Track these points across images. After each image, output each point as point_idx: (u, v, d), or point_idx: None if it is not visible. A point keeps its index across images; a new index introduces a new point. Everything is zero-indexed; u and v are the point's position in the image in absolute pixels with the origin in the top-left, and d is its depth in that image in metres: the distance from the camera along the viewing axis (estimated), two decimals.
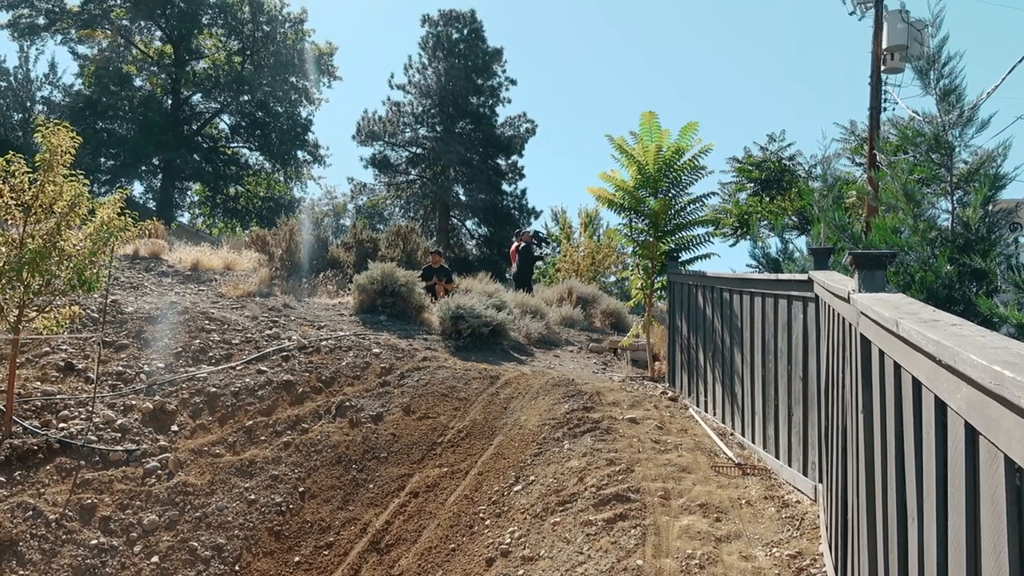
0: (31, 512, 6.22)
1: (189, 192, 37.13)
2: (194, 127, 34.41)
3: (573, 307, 14.44)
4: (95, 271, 7.59)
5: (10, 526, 6.03)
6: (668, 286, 10.32)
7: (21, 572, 5.77)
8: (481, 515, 6.33)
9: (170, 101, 33.65)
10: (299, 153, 35.95)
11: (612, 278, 23.53)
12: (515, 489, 6.58)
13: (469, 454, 7.39)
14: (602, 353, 11.97)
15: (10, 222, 7.36)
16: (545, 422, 7.66)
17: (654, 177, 10.73)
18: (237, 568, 6.14)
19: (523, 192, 36.06)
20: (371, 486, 7.04)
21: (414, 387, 8.70)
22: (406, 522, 6.50)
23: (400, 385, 8.74)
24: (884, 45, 14.39)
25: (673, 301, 9.93)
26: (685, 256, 10.80)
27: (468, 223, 36.13)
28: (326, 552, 6.29)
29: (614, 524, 5.66)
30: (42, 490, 6.47)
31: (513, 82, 35.96)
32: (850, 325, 3.51)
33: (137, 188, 34.20)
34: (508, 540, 5.80)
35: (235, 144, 36.10)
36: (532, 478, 6.67)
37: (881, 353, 2.72)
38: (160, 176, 33.84)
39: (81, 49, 33.08)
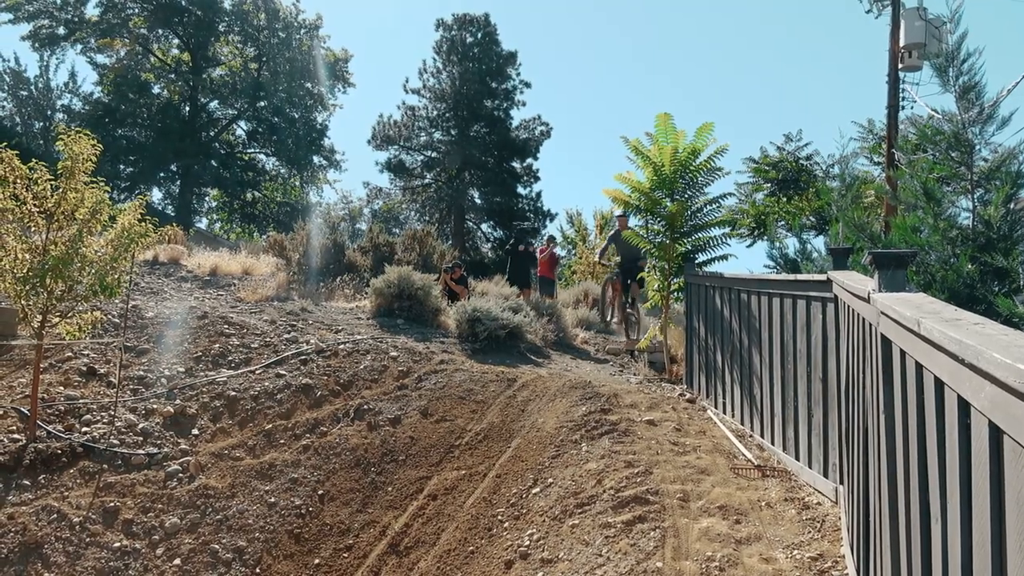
0: (56, 515, 6.30)
1: (207, 198, 37.47)
2: (211, 133, 34.74)
3: (589, 309, 14.42)
4: (116, 277, 7.66)
5: (35, 529, 6.11)
6: (685, 287, 10.29)
7: (46, 574, 5.85)
8: (499, 517, 6.34)
9: (188, 108, 34.00)
10: (315, 158, 36.20)
11: None
12: (533, 491, 6.58)
13: (487, 456, 7.40)
14: (619, 355, 11.94)
15: (33, 229, 7.45)
16: (563, 424, 7.66)
17: (670, 178, 10.69)
18: (258, 570, 6.18)
19: (538, 195, 36.07)
20: (390, 489, 7.07)
21: (431, 390, 8.72)
22: (425, 524, 6.52)
23: (418, 388, 8.76)
24: (901, 43, 14.24)
25: (690, 303, 9.90)
26: (702, 257, 10.75)
27: (483, 226, 36.20)
28: (345, 555, 6.33)
29: (633, 526, 5.65)
30: (66, 493, 6.55)
31: (527, 85, 36.01)
32: (870, 325, 3.49)
33: (156, 194, 34.59)
34: (527, 543, 5.81)
35: (252, 150, 36.41)
36: (550, 480, 6.67)
37: (902, 353, 2.70)
38: (179, 182, 34.20)
39: (100, 58, 33.54)
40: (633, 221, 12.34)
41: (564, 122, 71.27)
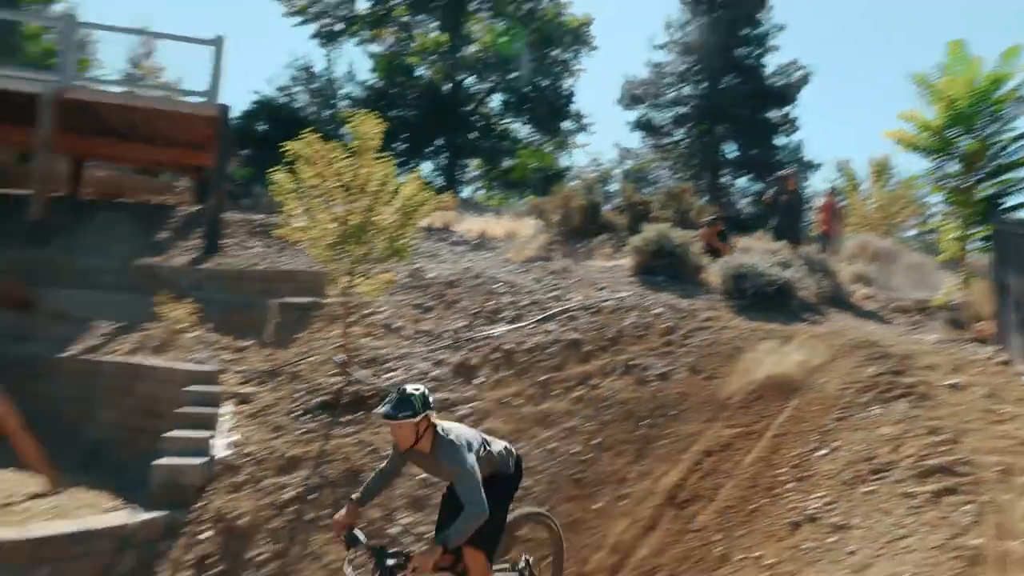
0: (369, 447, 7.23)
1: (468, 168, 40.01)
2: (470, 108, 36.89)
3: (867, 264, 13.21)
4: (404, 242, 8.49)
5: (355, 458, 7.09)
6: (993, 236, 9.00)
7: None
8: (781, 478, 6.12)
9: (449, 86, 36.41)
10: (565, 123, 36.95)
11: (911, 232, 21.13)
12: (817, 454, 6.25)
13: (762, 416, 7.14)
14: (907, 313, 10.78)
15: (336, 201, 8.44)
16: (847, 385, 7.15)
17: (966, 113, 9.43)
18: (546, 508, 6.56)
19: (798, 145, 33.59)
20: (662, 442, 7.11)
21: (698, 347, 8.59)
22: (701, 479, 6.49)
23: (684, 345, 8.68)
24: None
25: (1000, 254, 8.64)
26: (1011, 202, 9.38)
27: (740, 180, 34.60)
28: (623, 502, 6.50)
29: (941, 498, 5.14)
30: (376, 430, 7.45)
31: (781, 28, 33.41)
32: None
33: (426, 167, 37.59)
34: (816, 505, 5.54)
35: (507, 120, 38.10)
36: (836, 443, 6.28)
37: None
38: (445, 155, 36.90)
39: (372, 47, 37.04)
40: (922, 164, 11.06)
41: (826, 64, 64.68)
